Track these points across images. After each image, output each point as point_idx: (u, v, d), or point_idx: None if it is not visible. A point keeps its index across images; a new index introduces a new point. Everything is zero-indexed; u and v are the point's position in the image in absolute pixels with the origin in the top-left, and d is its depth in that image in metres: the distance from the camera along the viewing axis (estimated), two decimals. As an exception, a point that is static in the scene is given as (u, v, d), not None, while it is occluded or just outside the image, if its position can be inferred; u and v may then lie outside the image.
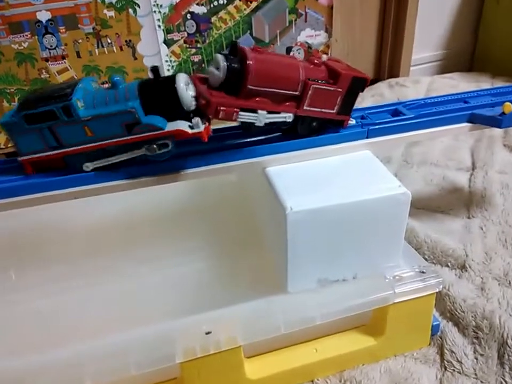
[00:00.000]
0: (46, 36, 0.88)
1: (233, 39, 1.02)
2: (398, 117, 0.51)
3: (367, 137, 0.49)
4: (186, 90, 0.39)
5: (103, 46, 0.93)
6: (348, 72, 0.45)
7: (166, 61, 0.99)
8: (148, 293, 0.47)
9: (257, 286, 0.46)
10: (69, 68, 0.92)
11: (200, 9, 0.97)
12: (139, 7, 0.91)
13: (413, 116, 0.50)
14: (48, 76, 0.91)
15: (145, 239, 0.54)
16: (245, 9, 1.00)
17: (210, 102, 0.39)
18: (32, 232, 0.55)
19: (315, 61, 0.46)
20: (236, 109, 0.41)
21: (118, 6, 0.90)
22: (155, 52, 0.97)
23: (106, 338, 0.40)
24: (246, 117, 0.42)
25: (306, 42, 1.08)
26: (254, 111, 0.42)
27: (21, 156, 0.42)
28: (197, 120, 0.40)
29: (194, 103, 0.40)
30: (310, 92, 0.44)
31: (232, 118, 0.41)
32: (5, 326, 0.45)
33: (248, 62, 0.40)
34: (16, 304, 0.47)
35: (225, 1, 0.98)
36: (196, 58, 1.01)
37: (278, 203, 0.41)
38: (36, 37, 0.87)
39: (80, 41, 0.90)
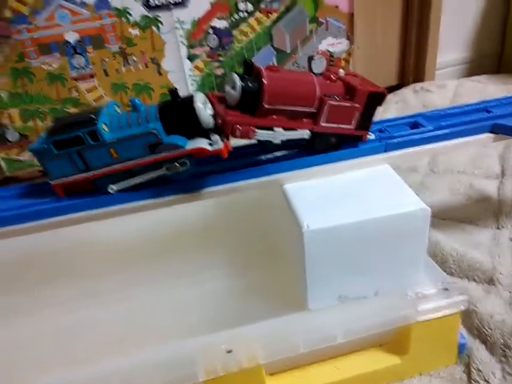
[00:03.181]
0: (75, 56, 0.91)
1: (255, 51, 1.03)
2: (417, 129, 0.50)
3: (385, 151, 0.48)
4: (204, 109, 0.41)
5: (129, 64, 0.95)
6: (364, 87, 0.45)
7: (190, 76, 1.01)
8: (168, 311, 0.48)
9: (278, 303, 0.46)
10: (97, 86, 0.95)
11: (221, 24, 0.98)
12: (162, 24, 0.94)
13: (432, 128, 0.49)
14: (78, 94, 0.94)
15: (164, 256, 0.54)
16: (265, 20, 1.01)
17: (225, 121, 0.40)
18: (50, 252, 0.56)
19: (331, 77, 0.46)
20: (252, 128, 0.42)
21: (142, 24, 0.93)
22: (179, 67, 0.99)
23: (127, 357, 0.41)
24: (263, 135, 0.43)
25: (328, 51, 1.08)
26: (271, 128, 0.43)
27: (52, 180, 0.44)
28: (216, 137, 0.41)
29: (212, 121, 0.41)
30: (326, 109, 0.44)
31: (249, 136, 0.42)
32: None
33: (263, 82, 0.41)
34: (25, 323, 0.48)
35: (246, 14, 0.99)
36: (219, 72, 1.02)
37: (296, 221, 0.42)
38: (65, 57, 0.90)
39: (107, 60, 0.94)
